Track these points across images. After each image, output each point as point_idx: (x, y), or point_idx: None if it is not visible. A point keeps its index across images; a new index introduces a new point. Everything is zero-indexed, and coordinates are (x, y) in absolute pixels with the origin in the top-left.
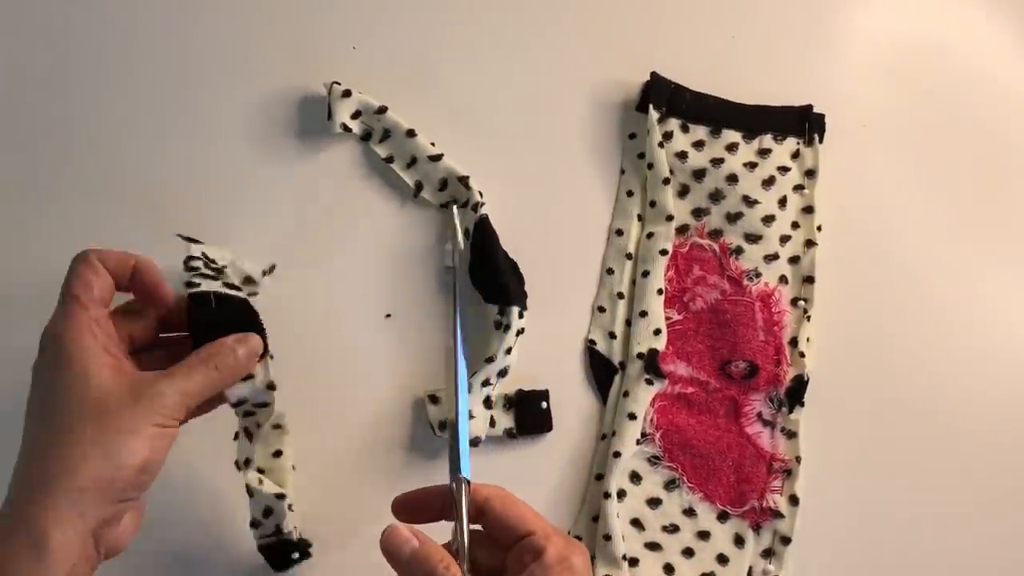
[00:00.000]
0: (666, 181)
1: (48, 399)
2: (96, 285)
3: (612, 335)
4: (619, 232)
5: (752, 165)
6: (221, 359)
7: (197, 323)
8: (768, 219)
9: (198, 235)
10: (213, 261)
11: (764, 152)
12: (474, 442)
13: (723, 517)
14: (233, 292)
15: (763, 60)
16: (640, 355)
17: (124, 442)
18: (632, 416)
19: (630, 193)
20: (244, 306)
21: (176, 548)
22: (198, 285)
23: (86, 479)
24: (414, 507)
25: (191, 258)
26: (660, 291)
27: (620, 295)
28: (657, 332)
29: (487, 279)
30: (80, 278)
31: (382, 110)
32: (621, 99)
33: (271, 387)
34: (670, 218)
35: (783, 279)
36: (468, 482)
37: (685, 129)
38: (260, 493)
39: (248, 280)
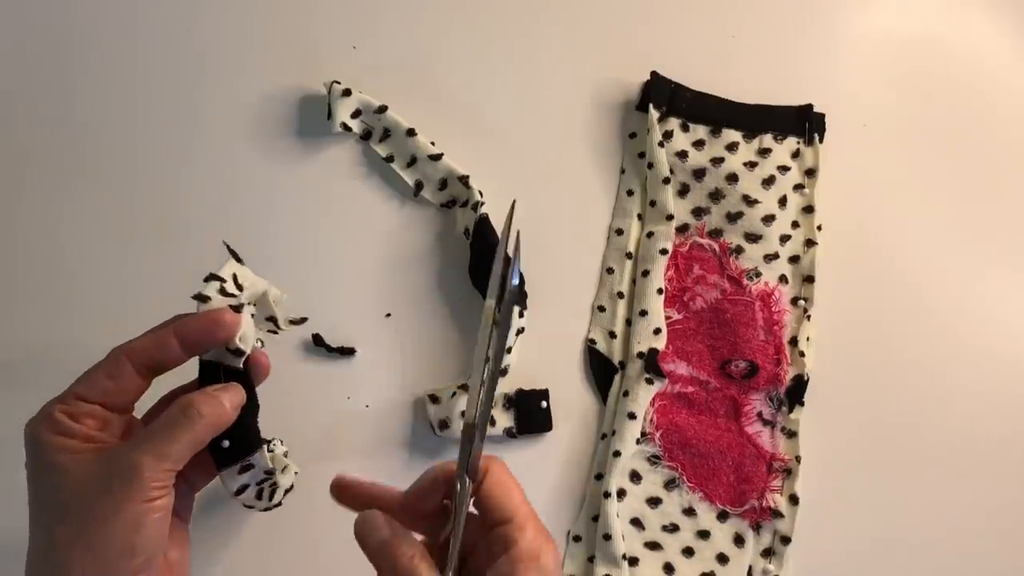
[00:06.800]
0: (666, 180)
1: (37, 502)
2: (103, 388)
3: (612, 334)
4: (619, 231)
5: (752, 164)
6: (203, 407)
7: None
8: (768, 218)
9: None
10: (240, 287)
11: (764, 151)
12: None
13: (723, 516)
14: (239, 366)
15: (763, 60)
16: (640, 354)
17: (102, 531)
18: (632, 415)
19: (630, 192)
20: (247, 384)
21: None
22: (207, 300)
23: None
24: (412, 507)
25: (214, 276)
26: (660, 290)
27: (620, 294)
28: (657, 331)
29: (487, 278)
30: (90, 379)
31: (382, 109)
32: (621, 99)
33: (269, 473)
34: (670, 217)
35: (783, 279)
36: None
37: (685, 128)
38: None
39: (272, 319)
